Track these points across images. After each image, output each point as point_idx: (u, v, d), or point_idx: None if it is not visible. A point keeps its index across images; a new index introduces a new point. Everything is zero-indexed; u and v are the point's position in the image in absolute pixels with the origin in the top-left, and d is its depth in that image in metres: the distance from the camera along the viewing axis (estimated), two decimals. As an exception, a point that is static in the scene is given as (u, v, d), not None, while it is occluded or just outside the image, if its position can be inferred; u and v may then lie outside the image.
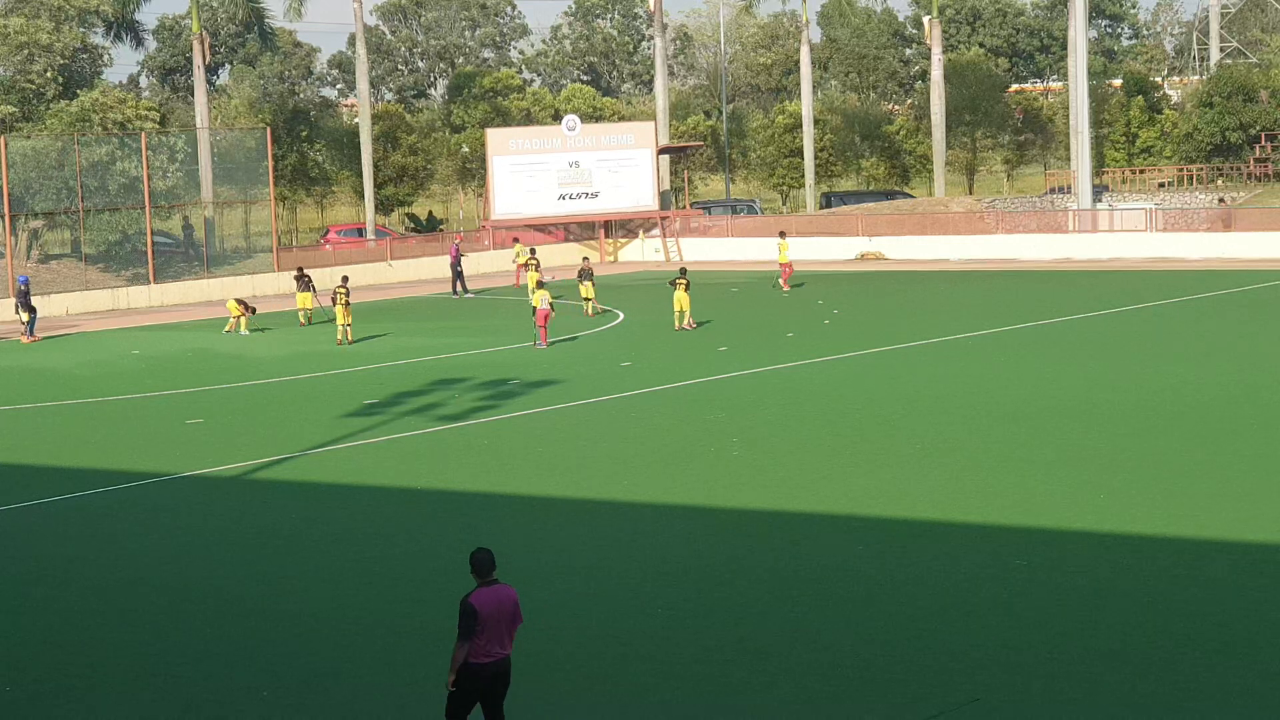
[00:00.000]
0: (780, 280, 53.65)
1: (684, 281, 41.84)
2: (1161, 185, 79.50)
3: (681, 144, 79.97)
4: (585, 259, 53.61)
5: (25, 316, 45.23)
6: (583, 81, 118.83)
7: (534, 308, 38.94)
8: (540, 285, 42.27)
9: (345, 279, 42.84)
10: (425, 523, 21.34)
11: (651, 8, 78.21)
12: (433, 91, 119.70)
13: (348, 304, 41.19)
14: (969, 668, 14.64)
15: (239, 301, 46.16)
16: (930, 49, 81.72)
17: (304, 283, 46.65)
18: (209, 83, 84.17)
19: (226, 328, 45.46)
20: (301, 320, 46.21)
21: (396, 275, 62.84)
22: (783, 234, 56.83)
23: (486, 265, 64.21)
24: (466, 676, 12.27)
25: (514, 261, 59.45)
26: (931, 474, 22.72)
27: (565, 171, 67.79)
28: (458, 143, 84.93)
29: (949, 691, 14.07)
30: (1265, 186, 76.17)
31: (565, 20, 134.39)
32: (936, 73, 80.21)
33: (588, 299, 45.95)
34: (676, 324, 41.57)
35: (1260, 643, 15.05)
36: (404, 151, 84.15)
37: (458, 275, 55.57)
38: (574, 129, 68.64)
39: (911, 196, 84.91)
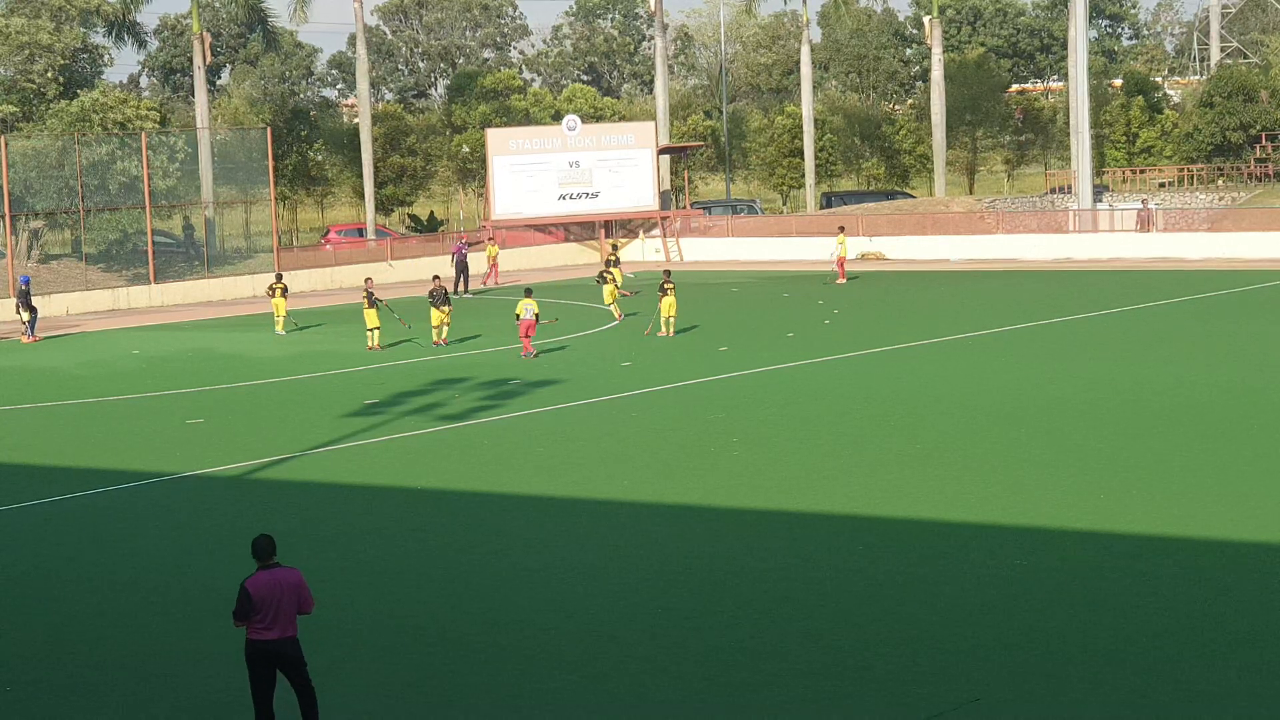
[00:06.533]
0: (836, 273, 54.86)
1: (671, 286, 41.01)
2: (1162, 185, 79.52)
3: (682, 144, 79.95)
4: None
5: (26, 316, 45.23)
6: (583, 82, 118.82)
7: (518, 315, 37.29)
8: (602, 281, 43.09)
9: (437, 278, 41.74)
10: (425, 523, 21.35)
11: (652, 8, 78.22)
12: (433, 92, 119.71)
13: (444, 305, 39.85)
14: (969, 668, 14.65)
15: (274, 289, 45.36)
16: (930, 49, 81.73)
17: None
18: (210, 83, 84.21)
19: (278, 328, 44.62)
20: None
21: (397, 275, 62.82)
22: (842, 229, 57.63)
23: (487, 265, 64.09)
24: (250, 653, 13.14)
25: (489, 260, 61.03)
26: (931, 474, 22.72)
27: (565, 171, 67.79)
28: (458, 143, 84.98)
29: (949, 691, 14.07)
30: (1265, 186, 76.17)
31: (566, 20, 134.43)
32: (937, 73, 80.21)
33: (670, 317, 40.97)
34: (664, 326, 40.77)
35: (1260, 643, 15.05)
36: (404, 152, 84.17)
37: (462, 274, 55.62)
38: (574, 129, 68.64)
39: (912, 196, 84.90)
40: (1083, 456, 23.56)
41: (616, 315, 44.45)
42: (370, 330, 40.00)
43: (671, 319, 40.68)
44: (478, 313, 48.47)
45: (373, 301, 40.17)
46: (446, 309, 39.87)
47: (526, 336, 37.40)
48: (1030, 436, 25.37)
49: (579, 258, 69.43)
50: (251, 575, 13.11)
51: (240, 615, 13.05)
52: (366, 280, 42.24)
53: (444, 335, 39.97)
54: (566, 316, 43.98)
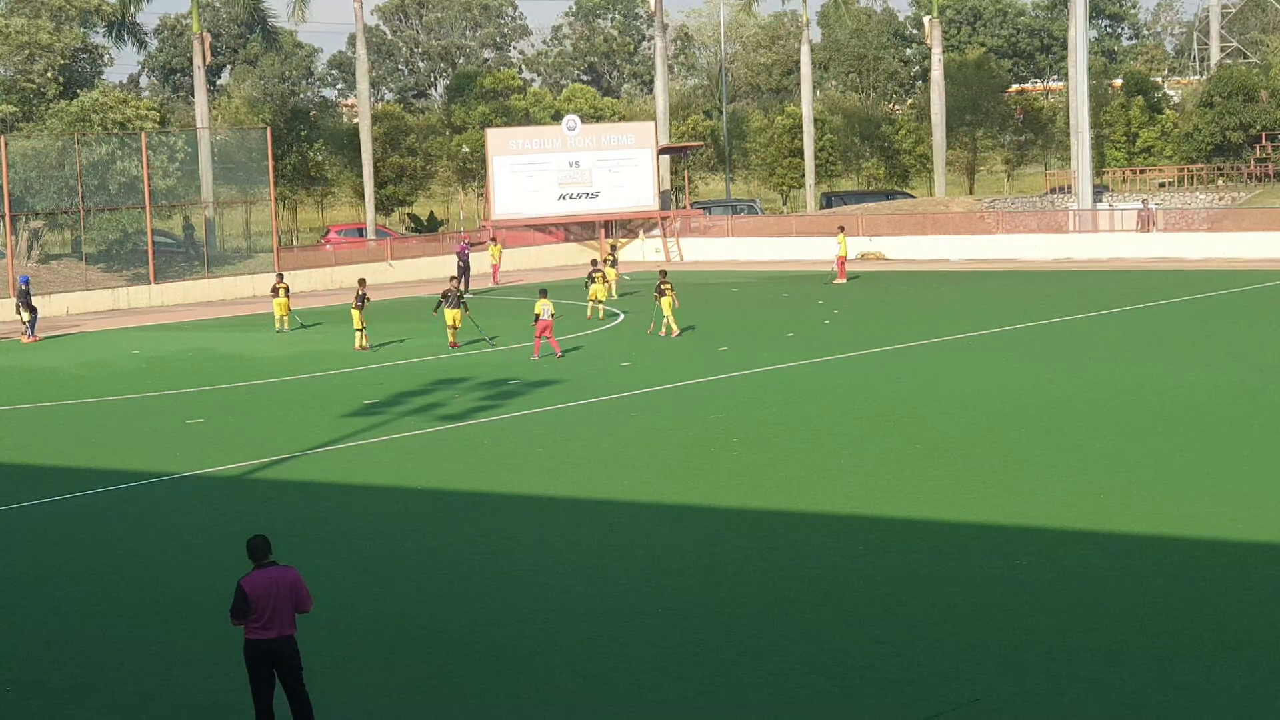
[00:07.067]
0: (836, 273, 54.94)
1: (668, 286, 40.77)
2: (1162, 185, 79.54)
3: (682, 144, 79.97)
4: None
5: (26, 316, 45.24)
6: (583, 82, 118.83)
7: (536, 316, 36.94)
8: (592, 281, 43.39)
9: (453, 279, 41.70)
10: (425, 523, 21.35)
11: (652, 8, 78.24)
12: (433, 92, 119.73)
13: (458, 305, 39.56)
14: (969, 668, 14.65)
15: (277, 289, 45.63)
16: (930, 49, 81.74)
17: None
18: (210, 83, 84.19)
19: (277, 326, 44.97)
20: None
21: (397, 275, 62.87)
22: (842, 228, 57.65)
23: (487, 265, 64.14)
24: (249, 653, 13.16)
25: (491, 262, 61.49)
26: (931, 474, 22.72)
27: (565, 171, 67.79)
28: (458, 143, 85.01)
29: (949, 691, 14.07)
30: (1265, 186, 76.18)
31: (566, 20, 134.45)
32: (937, 73, 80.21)
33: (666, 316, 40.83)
34: (668, 329, 40.53)
35: (1260, 642, 15.05)
36: (404, 152, 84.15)
37: (463, 273, 55.67)
38: (574, 129, 68.64)
39: (912, 196, 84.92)
40: (1083, 456, 23.56)
41: (588, 315, 44.68)
42: (356, 331, 39.85)
43: (669, 318, 40.54)
44: (480, 312, 48.44)
45: (362, 303, 40.01)
46: (458, 311, 39.32)
47: (542, 337, 36.91)
48: (1030, 436, 25.37)
49: (579, 258, 69.37)
50: (247, 574, 13.12)
51: (237, 614, 13.07)
52: (360, 281, 41.86)
53: (454, 338, 39.45)
54: (567, 316, 43.97)
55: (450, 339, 39.46)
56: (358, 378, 35.24)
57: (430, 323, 42.31)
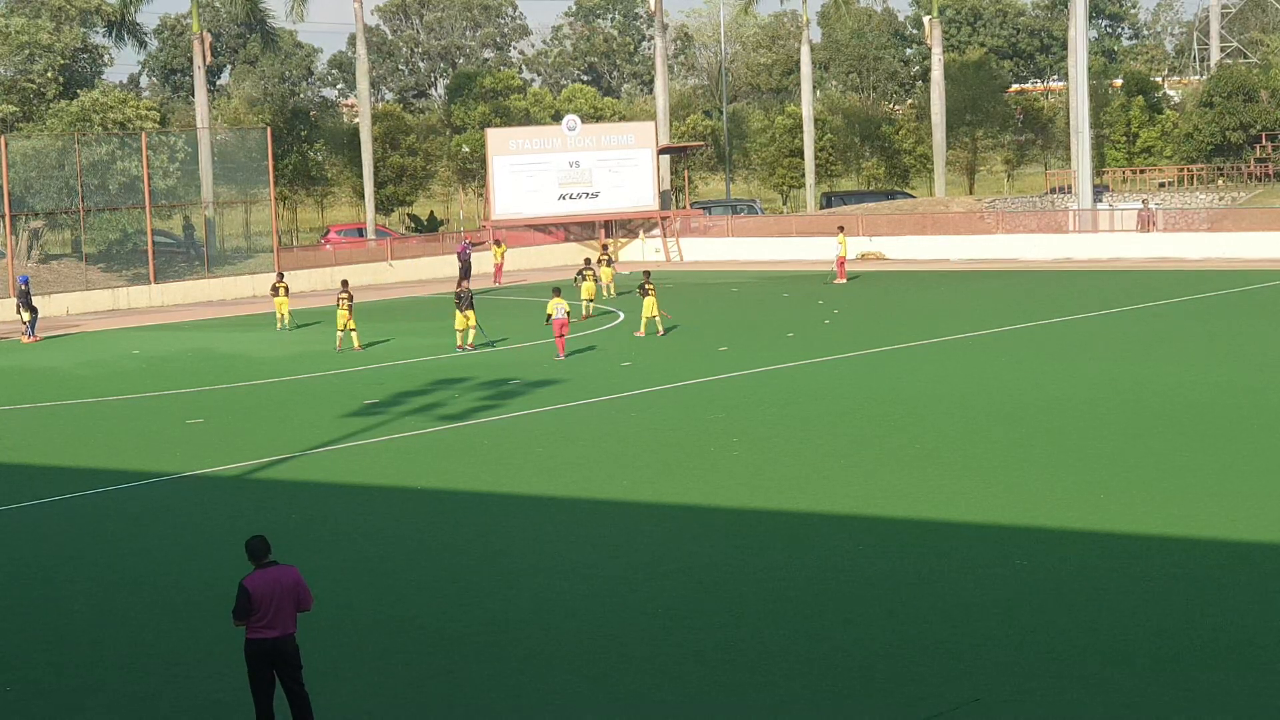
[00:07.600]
0: (835, 273, 54.85)
1: (651, 287, 40.94)
2: (1162, 185, 79.54)
3: (682, 144, 79.94)
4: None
5: (26, 316, 45.23)
6: (583, 81, 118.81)
7: (549, 315, 36.88)
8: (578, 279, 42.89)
9: (462, 280, 42.05)
10: (425, 523, 21.35)
11: (652, 8, 78.20)
12: (433, 92, 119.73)
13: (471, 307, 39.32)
14: (969, 668, 14.65)
15: (277, 288, 45.77)
16: (930, 49, 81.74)
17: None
18: (210, 83, 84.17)
19: (279, 325, 45.10)
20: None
21: (397, 275, 62.87)
22: (841, 228, 57.64)
23: (487, 265, 64.16)
24: (250, 652, 13.16)
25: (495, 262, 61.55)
26: (931, 474, 22.72)
27: (565, 171, 67.78)
28: (458, 143, 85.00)
29: (949, 691, 14.07)
30: (1265, 186, 76.18)
31: (566, 20, 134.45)
32: (937, 73, 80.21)
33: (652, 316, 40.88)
34: (649, 328, 40.49)
35: (1260, 642, 15.05)
36: (404, 152, 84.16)
37: (465, 274, 55.66)
38: (574, 129, 68.63)
39: (912, 196, 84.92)
40: (1083, 456, 23.56)
41: (584, 314, 44.66)
42: (351, 331, 39.65)
43: (655, 318, 40.52)
44: (481, 313, 48.38)
45: (350, 304, 39.84)
46: (471, 312, 39.05)
47: (560, 336, 36.80)
48: (1030, 436, 25.37)
49: (579, 258, 69.27)
50: (249, 574, 13.13)
51: (240, 614, 13.09)
52: (343, 283, 41.51)
53: (469, 340, 39.05)
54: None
55: (459, 341, 39.24)
56: (358, 378, 35.24)
57: (423, 323, 42.29)
